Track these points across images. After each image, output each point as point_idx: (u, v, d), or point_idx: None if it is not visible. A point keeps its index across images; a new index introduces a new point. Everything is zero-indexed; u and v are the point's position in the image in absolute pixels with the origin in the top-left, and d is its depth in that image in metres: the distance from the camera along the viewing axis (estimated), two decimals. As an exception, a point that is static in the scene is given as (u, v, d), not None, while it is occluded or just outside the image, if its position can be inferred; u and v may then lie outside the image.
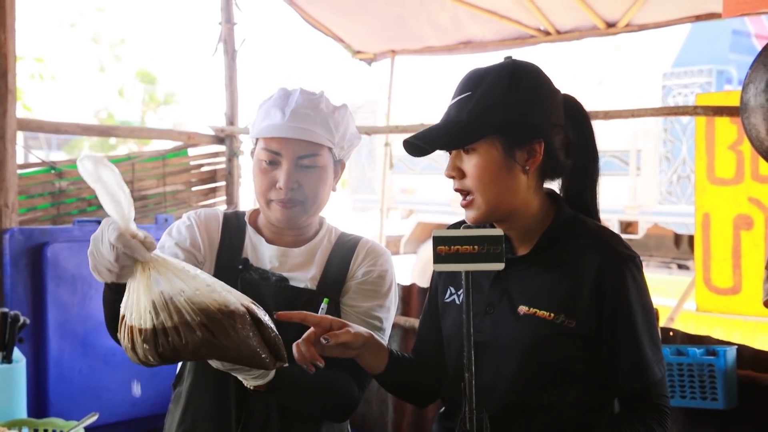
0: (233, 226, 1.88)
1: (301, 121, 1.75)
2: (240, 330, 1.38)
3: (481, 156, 1.53)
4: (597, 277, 1.52)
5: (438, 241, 1.43)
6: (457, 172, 1.56)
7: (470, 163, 1.54)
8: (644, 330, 1.54)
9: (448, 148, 1.56)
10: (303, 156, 1.76)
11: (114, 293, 1.49)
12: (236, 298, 1.42)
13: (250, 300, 1.47)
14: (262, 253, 1.85)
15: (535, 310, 1.54)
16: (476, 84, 1.55)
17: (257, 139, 1.81)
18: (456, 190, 1.58)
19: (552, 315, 1.53)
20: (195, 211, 1.89)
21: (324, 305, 1.73)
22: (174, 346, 1.34)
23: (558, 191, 1.67)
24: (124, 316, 1.38)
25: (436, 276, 1.78)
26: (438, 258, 1.43)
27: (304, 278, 1.82)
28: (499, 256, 1.40)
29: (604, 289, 1.52)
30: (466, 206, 1.57)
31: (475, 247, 1.41)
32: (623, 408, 1.60)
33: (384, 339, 1.82)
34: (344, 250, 1.87)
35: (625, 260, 1.54)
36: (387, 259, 1.88)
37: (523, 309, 1.56)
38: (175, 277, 1.37)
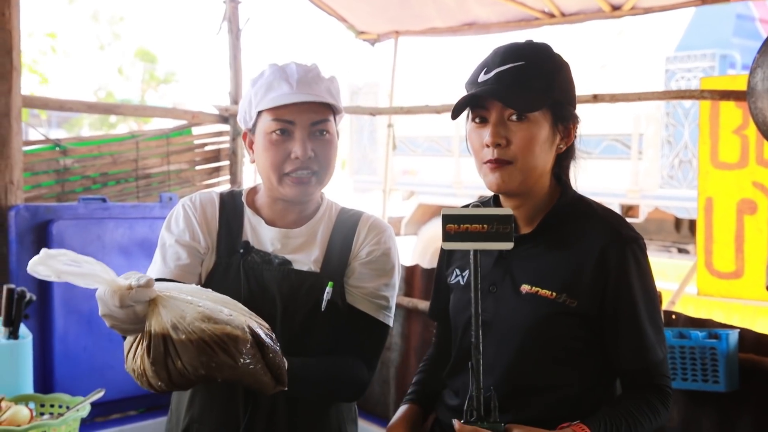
0: (230, 208, 1.85)
1: (310, 87, 1.74)
2: (243, 355, 1.41)
3: (534, 125, 1.55)
4: (600, 257, 1.53)
5: (447, 219, 1.44)
6: (504, 140, 1.55)
7: (521, 132, 1.54)
8: (646, 311, 1.56)
9: (519, 107, 1.53)
10: (316, 122, 1.74)
11: None
12: (243, 321, 1.43)
13: (258, 322, 1.49)
14: (263, 236, 1.82)
15: (537, 289, 1.57)
16: (527, 56, 1.56)
17: (258, 116, 1.77)
18: (494, 159, 1.55)
19: (554, 294, 1.55)
20: (190, 197, 1.87)
21: (329, 289, 1.76)
22: (180, 372, 1.37)
23: None
24: (132, 348, 1.43)
25: (443, 258, 1.80)
26: (447, 236, 1.44)
27: (307, 261, 1.80)
28: (509, 236, 1.43)
29: (607, 269, 1.53)
30: (497, 170, 1.55)
31: (485, 226, 1.43)
32: (625, 388, 1.63)
33: (390, 316, 1.84)
34: (346, 227, 1.85)
35: (628, 242, 1.56)
36: (390, 235, 1.87)
37: (525, 288, 1.58)
38: (180, 307, 1.40)
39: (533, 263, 1.59)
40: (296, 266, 1.79)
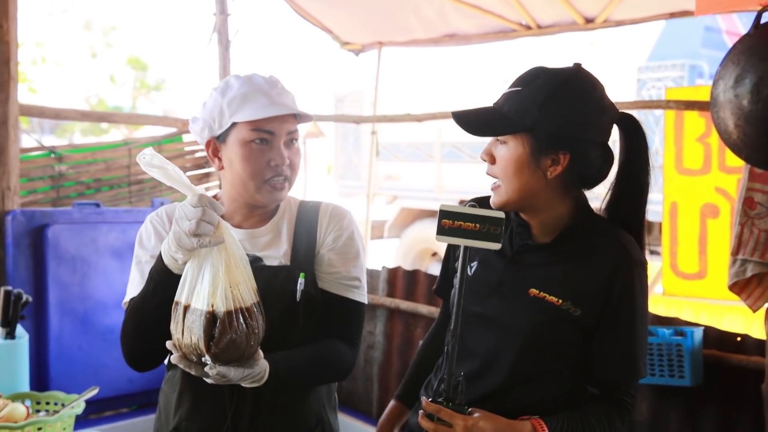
0: None
1: (284, 98, 1.82)
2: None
3: (510, 149, 1.60)
4: (610, 275, 1.60)
5: (443, 214, 1.52)
6: (489, 158, 1.65)
7: (499, 153, 1.63)
8: (640, 331, 1.64)
9: (480, 134, 1.62)
10: (291, 131, 1.83)
11: (168, 279, 1.61)
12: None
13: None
14: None
15: (544, 294, 1.62)
16: (528, 82, 1.61)
17: (232, 126, 1.81)
18: (487, 173, 1.67)
19: (560, 301, 1.61)
20: (156, 212, 1.91)
21: (301, 280, 1.81)
22: (246, 330, 1.53)
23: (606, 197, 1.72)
24: (186, 305, 1.52)
25: (451, 252, 1.88)
26: (441, 230, 1.52)
27: (277, 255, 1.85)
28: (498, 237, 1.49)
29: (612, 287, 1.60)
30: (493, 190, 1.66)
31: (477, 225, 1.50)
32: (591, 396, 1.70)
33: (363, 294, 1.91)
34: (308, 218, 1.91)
35: (637, 266, 1.62)
36: (351, 219, 1.93)
37: (533, 291, 1.64)
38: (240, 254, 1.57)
39: (546, 271, 1.65)
40: (267, 262, 1.83)
